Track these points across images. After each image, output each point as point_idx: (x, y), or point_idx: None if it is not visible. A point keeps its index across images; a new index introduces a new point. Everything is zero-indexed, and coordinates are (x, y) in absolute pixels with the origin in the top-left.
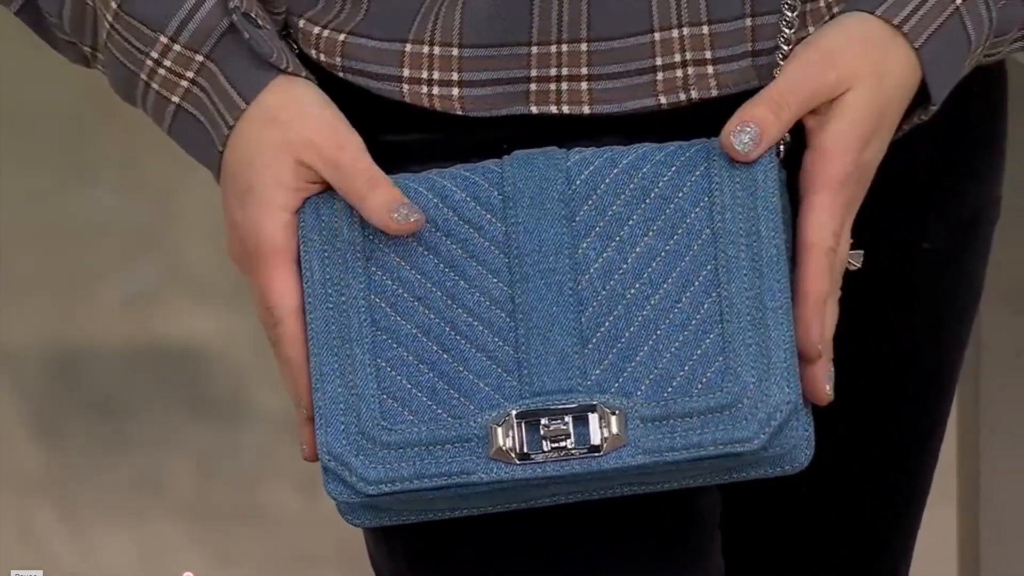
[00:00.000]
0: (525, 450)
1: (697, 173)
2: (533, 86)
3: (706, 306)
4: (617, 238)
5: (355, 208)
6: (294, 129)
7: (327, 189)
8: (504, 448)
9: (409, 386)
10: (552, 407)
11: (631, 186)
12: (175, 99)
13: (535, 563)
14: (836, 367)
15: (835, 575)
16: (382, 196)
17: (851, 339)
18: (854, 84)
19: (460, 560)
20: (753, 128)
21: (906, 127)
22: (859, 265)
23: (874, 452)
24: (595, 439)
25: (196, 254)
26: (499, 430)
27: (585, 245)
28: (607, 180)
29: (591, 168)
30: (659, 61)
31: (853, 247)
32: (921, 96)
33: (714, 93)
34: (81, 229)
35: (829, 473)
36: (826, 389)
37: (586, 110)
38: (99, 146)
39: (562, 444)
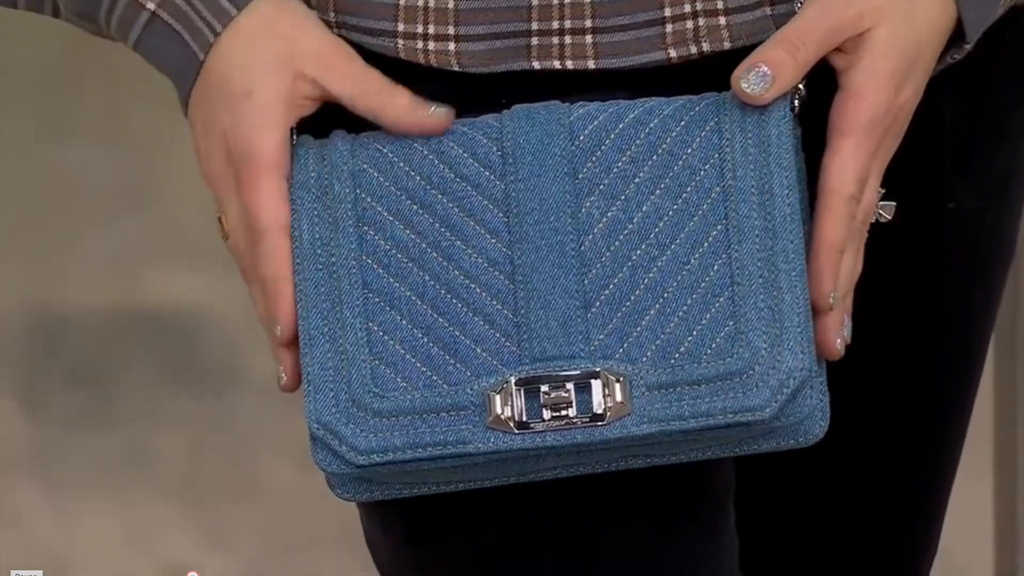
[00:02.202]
0: (524, 419)
1: (707, 128)
2: (534, 40)
3: (716, 268)
4: (623, 196)
5: (374, 118)
6: (298, 42)
7: (316, 139)
8: (502, 416)
9: (402, 351)
10: (553, 374)
11: (637, 142)
12: (151, 5)
13: (536, 538)
14: (858, 333)
15: (856, 553)
16: (405, 98)
17: (875, 303)
18: (880, 21)
19: (458, 536)
20: (764, 68)
21: (939, 67)
22: (890, 217)
23: (897, 424)
24: (598, 407)
25: (185, 212)
26: (497, 398)
27: (589, 204)
28: (612, 135)
29: (595, 123)
30: (668, 12)
31: (886, 198)
32: (953, 36)
33: (727, 46)
34: (61, 185)
35: (849, 446)
36: (836, 343)
37: (591, 65)
38: (80, 96)
39: (563, 413)
